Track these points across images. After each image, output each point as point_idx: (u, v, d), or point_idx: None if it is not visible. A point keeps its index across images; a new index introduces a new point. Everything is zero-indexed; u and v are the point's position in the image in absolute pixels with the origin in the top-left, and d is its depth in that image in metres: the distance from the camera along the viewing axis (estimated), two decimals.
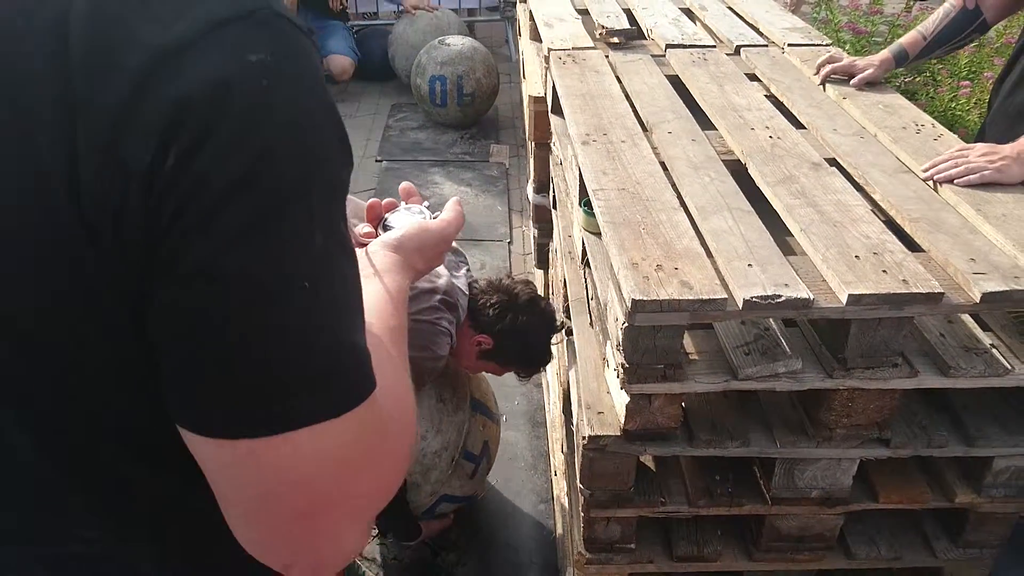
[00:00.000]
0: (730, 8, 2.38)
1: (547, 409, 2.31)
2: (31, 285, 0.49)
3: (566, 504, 1.76)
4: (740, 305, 1.08)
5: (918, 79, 3.64)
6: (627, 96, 1.75)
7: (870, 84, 1.80)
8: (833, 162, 1.47)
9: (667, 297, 1.07)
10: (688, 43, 2.05)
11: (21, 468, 0.58)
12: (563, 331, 1.79)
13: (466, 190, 3.80)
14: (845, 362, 1.17)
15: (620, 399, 1.24)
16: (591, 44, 2.06)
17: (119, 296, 0.49)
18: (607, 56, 1.99)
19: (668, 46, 2.03)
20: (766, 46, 2.06)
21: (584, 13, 2.34)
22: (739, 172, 1.44)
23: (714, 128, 1.61)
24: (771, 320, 1.27)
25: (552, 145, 2.12)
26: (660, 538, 1.45)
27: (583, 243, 1.53)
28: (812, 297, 1.08)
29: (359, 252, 0.76)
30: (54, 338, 0.51)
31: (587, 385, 1.38)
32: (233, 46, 0.47)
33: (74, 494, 0.60)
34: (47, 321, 0.51)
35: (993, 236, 1.23)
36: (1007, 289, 1.10)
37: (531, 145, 2.30)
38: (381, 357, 0.58)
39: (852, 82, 1.80)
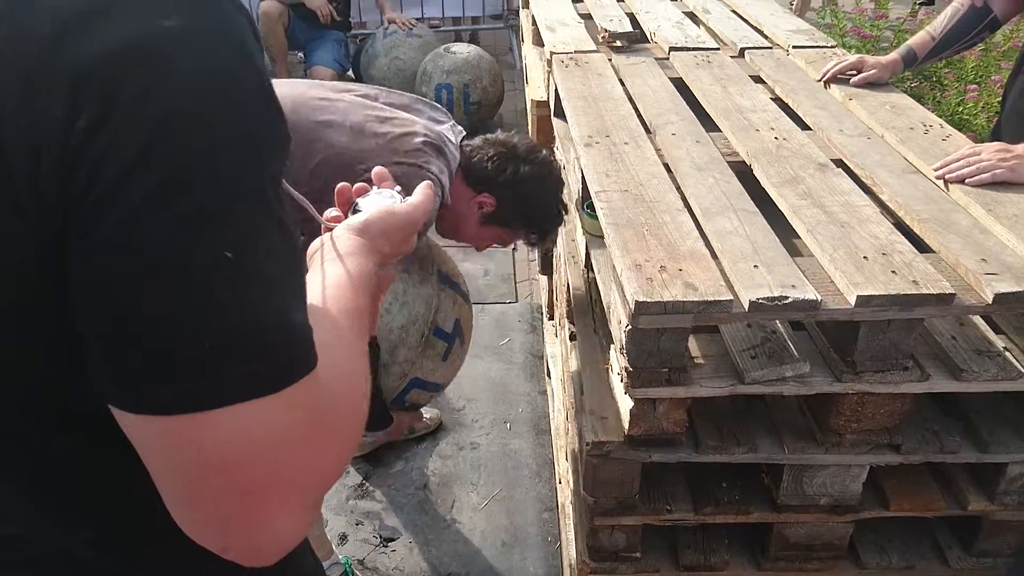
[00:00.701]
0: (734, 11, 2.36)
1: (551, 416, 2.28)
2: None
3: (571, 512, 1.74)
4: (746, 307, 1.06)
5: (924, 83, 3.62)
6: (630, 98, 1.73)
7: (876, 85, 1.78)
8: (840, 163, 1.45)
9: (671, 299, 1.05)
10: (692, 46, 2.04)
11: None
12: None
13: None
14: (854, 365, 1.14)
15: (624, 404, 1.22)
16: (594, 48, 2.04)
17: (46, 269, 0.49)
18: (610, 59, 1.98)
19: (671, 49, 2.02)
20: (770, 48, 2.04)
21: (587, 17, 2.33)
22: (744, 173, 1.42)
23: (718, 130, 1.59)
24: (778, 322, 1.24)
25: (555, 149, 2.11)
26: (666, 546, 1.42)
27: (586, 246, 1.51)
28: (820, 298, 1.06)
29: (324, 236, 0.76)
30: None
31: (591, 390, 1.36)
32: (147, 11, 0.47)
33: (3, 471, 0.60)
34: None
35: (1005, 237, 1.20)
36: (1020, 290, 1.07)
37: None
38: (332, 338, 0.57)
39: (852, 80, 1.77)
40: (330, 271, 0.69)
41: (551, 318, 2.42)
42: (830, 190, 1.33)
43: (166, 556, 0.64)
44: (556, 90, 1.85)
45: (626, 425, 1.22)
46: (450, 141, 1.58)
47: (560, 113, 1.84)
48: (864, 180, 1.39)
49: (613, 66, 1.93)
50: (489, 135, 1.67)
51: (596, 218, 1.32)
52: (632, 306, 1.06)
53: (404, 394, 1.69)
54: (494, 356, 2.71)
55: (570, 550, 1.66)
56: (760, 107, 1.67)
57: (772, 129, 1.56)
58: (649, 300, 1.05)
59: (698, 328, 1.16)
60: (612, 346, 1.27)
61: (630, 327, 1.09)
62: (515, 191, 1.58)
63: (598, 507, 1.31)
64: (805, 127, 1.61)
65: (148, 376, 0.48)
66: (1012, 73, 1.93)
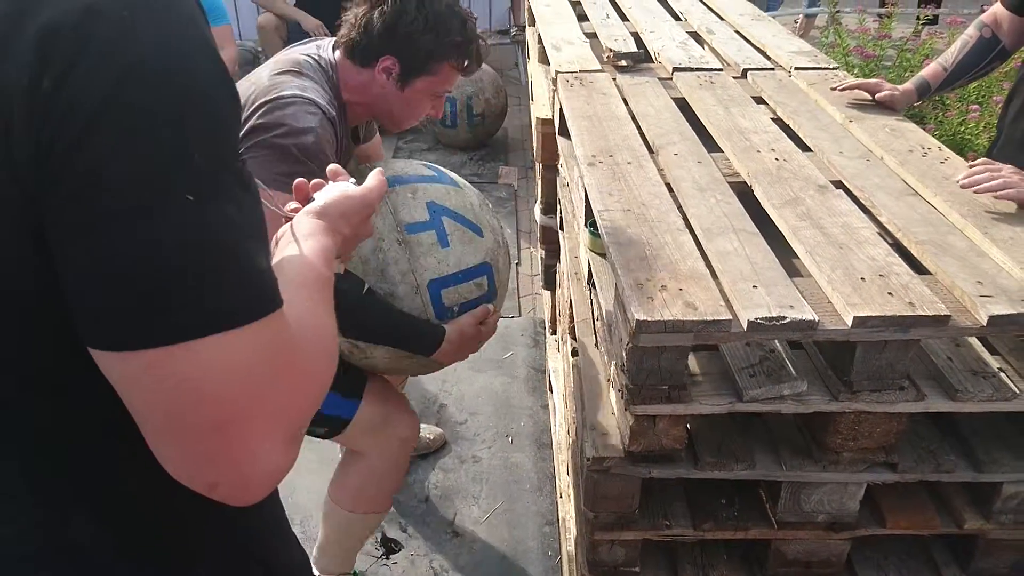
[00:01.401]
0: (738, 32, 2.39)
1: (553, 430, 2.30)
2: None
3: (571, 527, 1.75)
4: (745, 326, 1.08)
5: (927, 103, 3.64)
6: (633, 118, 1.75)
7: (876, 107, 1.80)
8: (839, 184, 1.47)
9: (672, 318, 1.07)
10: (695, 66, 2.07)
11: None
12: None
13: None
14: (851, 385, 1.16)
15: (624, 420, 1.24)
16: (599, 67, 2.07)
17: (25, 224, 0.52)
18: (614, 79, 2.00)
19: (675, 69, 2.05)
20: (773, 69, 2.07)
21: (592, 37, 2.36)
22: (745, 194, 1.44)
23: (720, 150, 1.62)
24: (776, 342, 1.26)
25: (559, 167, 2.13)
26: (665, 562, 1.43)
27: (589, 264, 1.53)
28: (817, 319, 1.08)
29: (286, 225, 0.82)
30: None
31: (592, 406, 1.38)
32: None
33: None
34: None
35: (1001, 259, 1.22)
36: (1015, 312, 1.09)
37: (539, 166, 2.31)
38: (297, 297, 0.63)
39: (877, 96, 1.80)
40: (292, 250, 0.76)
41: (554, 333, 2.44)
42: (829, 211, 1.35)
43: (158, 545, 0.68)
44: (561, 109, 1.88)
45: (626, 441, 1.24)
46: (311, 56, 1.52)
47: (565, 132, 1.87)
48: (863, 202, 1.42)
49: (617, 85, 1.96)
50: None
51: (599, 236, 1.34)
52: (633, 324, 1.08)
53: (438, 304, 1.54)
54: (496, 370, 2.73)
55: (570, 565, 1.67)
56: (761, 128, 1.70)
57: (773, 150, 1.59)
58: (650, 319, 1.07)
59: (698, 346, 1.18)
60: (613, 363, 1.29)
61: (631, 345, 1.11)
62: (399, 33, 1.48)
63: (598, 522, 1.33)
64: (806, 148, 1.63)
65: (126, 313, 0.52)
66: (1007, 99, 1.96)
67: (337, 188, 0.90)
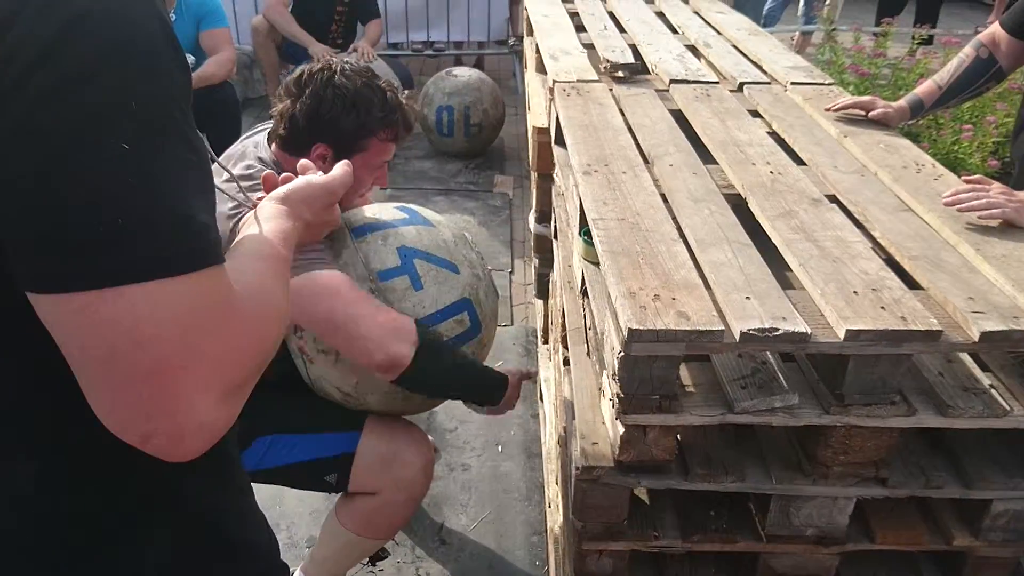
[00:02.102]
0: (734, 46, 2.40)
1: (543, 440, 2.29)
2: None
3: (559, 537, 1.74)
4: (737, 337, 1.07)
5: (921, 121, 3.67)
6: (630, 129, 1.76)
7: (871, 123, 1.81)
8: (833, 199, 1.48)
9: (664, 327, 1.07)
10: (692, 79, 2.07)
11: None
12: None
13: (469, 219, 3.82)
14: (842, 398, 1.16)
15: (614, 430, 1.23)
16: (596, 77, 2.08)
17: None
18: (611, 89, 2.01)
19: (672, 81, 2.05)
20: (769, 83, 2.08)
21: (590, 47, 2.37)
22: (739, 206, 1.44)
23: (715, 162, 1.62)
24: (768, 354, 1.26)
25: (554, 175, 2.13)
26: (653, 573, 1.43)
27: (582, 273, 1.53)
28: (810, 331, 1.08)
29: (249, 212, 0.85)
30: None
31: (582, 415, 1.37)
32: None
33: None
34: None
35: (992, 276, 1.22)
36: (1006, 329, 1.09)
37: (534, 175, 2.32)
38: (248, 262, 0.68)
39: (871, 114, 1.81)
40: (252, 230, 0.79)
41: (545, 342, 2.44)
42: (823, 225, 1.35)
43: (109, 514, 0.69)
44: (557, 118, 1.88)
45: (616, 451, 1.23)
46: (252, 159, 1.56)
47: (561, 141, 1.87)
48: (857, 216, 1.42)
49: (614, 96, 1.96)
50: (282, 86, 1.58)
51: (593, 245, 1.34)
52: (625, 333, 1.07)
53: (433, 327, 1.52)
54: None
55: (557, 574, 1.66)
56: (757, 141, 1.70)
57: (768, 163, 1.59)
58: (642, 328, 1.07)
59: (690, 356, 1.18)
60: (604, 372, 1.28)
61: (623, 354, 1.11)
62: (323, 120, 1.50)
63: (586, 532, 1.32)
64: (800, 162, 1.64)
65: (62, 255, 0.52)
66: (1017, 125, 1.95)
67: (303, 178, 0.95)
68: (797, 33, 6.34)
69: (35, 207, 0.52)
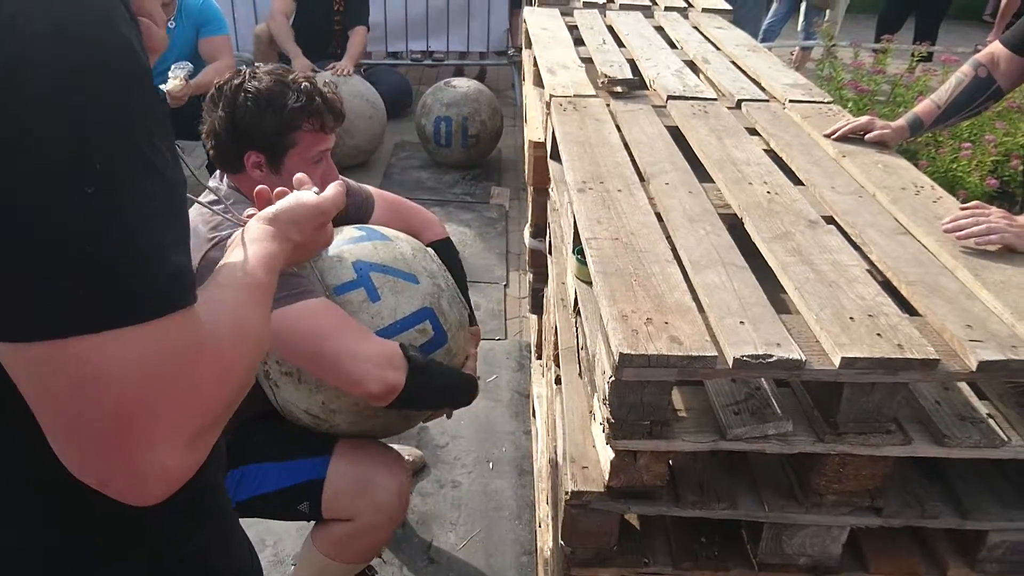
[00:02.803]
0: (733, 62, 2.39)
1: (535, 457, 2.26)
2: None
3: (549, 558, 1.71)
4: (730, 363, 1.05)
5: (919, 140, 3.66)
6: (626, 145, 1.74)
7: (870, 143, 1.80)
8: (830, 220, 1.46)
9: (656, 352, 1.05)
10: (690, 95, 2.06)
11: None
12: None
13: (465, 231, 3.80)
14: (837, 426, 1.13)
15: (605, 454, 1.21)
16: (593, 92, 2.06)
17: None
18: (608, 105, 1.99)
19: (670, 97, 2.04)
20: (767, 101, 2.07)
21: (588, 62, 2.35)
22: (735, 226, 1.42)
23: (712, 181, 1.60)
24: (762, 380, 1.24)
25: (550, 191, 2.11)
26: None
27: (575, 292, 1.51)
28: (804, 358, 1.05)
29: (238, 230, 0.83)
30: None
31: (573, 437, 1.35)
32: None
33: None
34: None
35: (991, 303, 1.20)
36: (1004, 359, 1.07)
37: (530, 189, 2.30)
38: (224, 293, 0.65)
39: (868, 136, 1.80)
40: (237, 254, 0.76)
41: (539, 357, 2.41)
42: (820, 248, 1.33)
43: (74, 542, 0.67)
44: (553, 132, 1.86)
45: (606, 476, 1.21)
46: (220, 202, 1.51)
47: (556, 155, 1.85)
48: (854, 239, 1.40)
49: (611, 111, 1.94)
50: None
51: (586, 264, 1.32)
52: (616, 358, 1.05)
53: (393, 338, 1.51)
54: (480, 393, 2.69)
55: None
56: (754, 160, 1.68)
57: (765, 183, 1.57)
58: (634, 353, 1.04)
59: (682, 381, 1.15)
60: (595, 394, 1.26)
61: (613, 378, 1.08)
62: (242, 128, 1.49)
63: (575, 557, 1.29)
64: (798, 182, 1.62)
65: (20, 303, 0.50)
66: None
67: (293, 196, 0.91)
68: (797, 48, 6.36)
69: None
